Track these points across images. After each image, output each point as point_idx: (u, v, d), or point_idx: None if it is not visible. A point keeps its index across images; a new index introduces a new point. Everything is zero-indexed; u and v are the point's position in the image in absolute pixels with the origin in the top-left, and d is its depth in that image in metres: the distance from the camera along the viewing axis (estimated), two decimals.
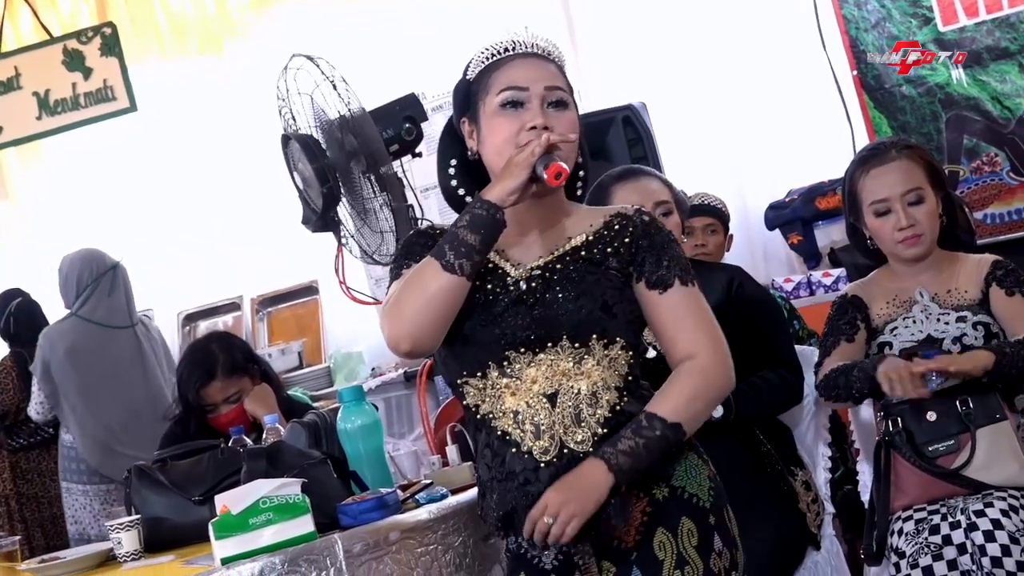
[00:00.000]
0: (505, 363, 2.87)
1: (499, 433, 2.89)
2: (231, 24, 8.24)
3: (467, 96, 3.02)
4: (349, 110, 4.96)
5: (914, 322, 3.86)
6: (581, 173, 3.10)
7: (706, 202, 5.39)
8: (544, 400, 2.85)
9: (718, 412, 3.90)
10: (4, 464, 7.40)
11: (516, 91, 2.93)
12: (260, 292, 8.41)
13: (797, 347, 4.29)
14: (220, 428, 4.54)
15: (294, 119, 5.20)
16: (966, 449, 3.56)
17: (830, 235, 6.80)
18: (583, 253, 2.92)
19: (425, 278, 2.84)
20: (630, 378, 2.90)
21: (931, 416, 3.59)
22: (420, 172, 6.21)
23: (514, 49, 2.98)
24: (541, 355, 2.86)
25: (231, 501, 3.24)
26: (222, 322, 8.40)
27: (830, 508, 4.21)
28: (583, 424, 2.84)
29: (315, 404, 6.14)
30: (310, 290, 8.25)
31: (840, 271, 6.49)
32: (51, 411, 6.84)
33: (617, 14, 7.52)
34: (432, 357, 5.57)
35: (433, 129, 7.16)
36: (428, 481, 3.76)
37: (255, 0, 8.20)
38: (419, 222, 5.46)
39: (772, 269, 7.11)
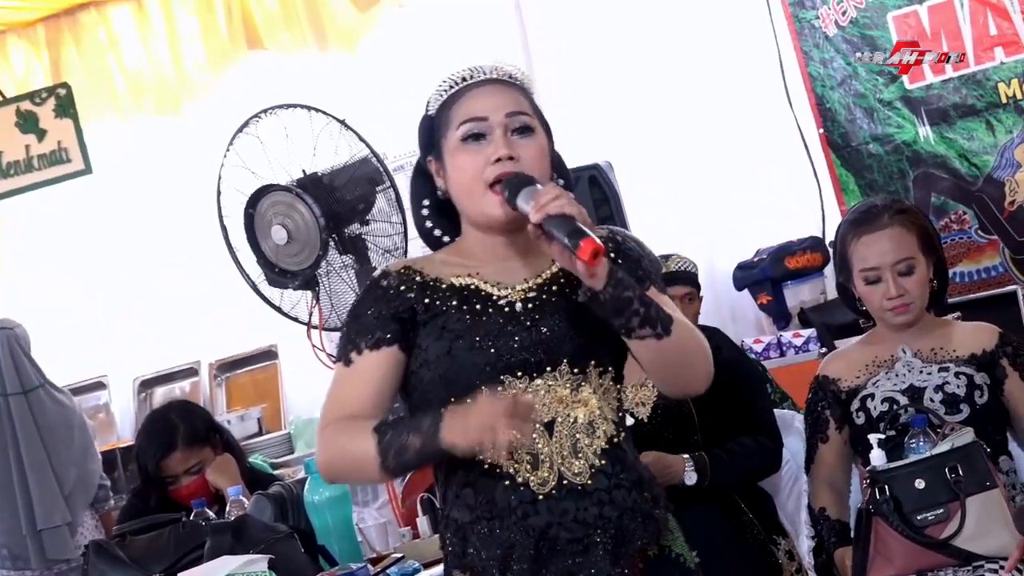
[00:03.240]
0: (499, 389, 2.69)
1: (485, 467, 2.70)
2: (189, 84, 8.14)
3: (430, 133, 2.87)
4: (378, 156, 5.00)
5: (896, 375, 3.84)
6: None
7: (682, 267, 5.30)
8: (540, 428, 2.70)
9: (691, 479, 3.80)
10: None
11: (476, 122, 2.77)
12: (218, 357, 8.25)
13: (776, 411, 4.20)
14: (181, 500, 4.40)
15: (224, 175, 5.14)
16: (956, 518, 3.45)
17: (799, 295, 6.74)
18: (573, 276, 2.76)
19: (361, 462, 2.69)
20: (620, 414, 2.81)
21: (919, 484, 3.48)
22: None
23: (472, 77, 2.83)
24: (538, 380, 2.72)
25: None
26: (179, 388, 8.24)
27: None
28: (580, 455, 2.71)
29: (275, 471, 6.03)
30: (269, 355, 8.11)
31: (811, 331, 6.42)
32: None
33: (583, 73, 7.46)
34: None
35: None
36: (399, 555, 3.65)
37: (213, 60, 8.10)
38: None
39: (741, 330, 7.03)
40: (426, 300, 2.77)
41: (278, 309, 5.42)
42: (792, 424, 4.26)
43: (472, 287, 2.79)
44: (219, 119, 7.45)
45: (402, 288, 2.79)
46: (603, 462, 2.72)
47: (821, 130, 7.05)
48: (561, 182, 2.88)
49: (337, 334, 6.10)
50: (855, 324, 6.25)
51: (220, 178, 5.29)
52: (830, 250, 6.74)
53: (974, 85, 6.72)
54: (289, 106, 5.09)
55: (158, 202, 8.23)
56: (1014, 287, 6.55)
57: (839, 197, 7.01)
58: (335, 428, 2.75)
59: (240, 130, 5.18)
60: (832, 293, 6.76)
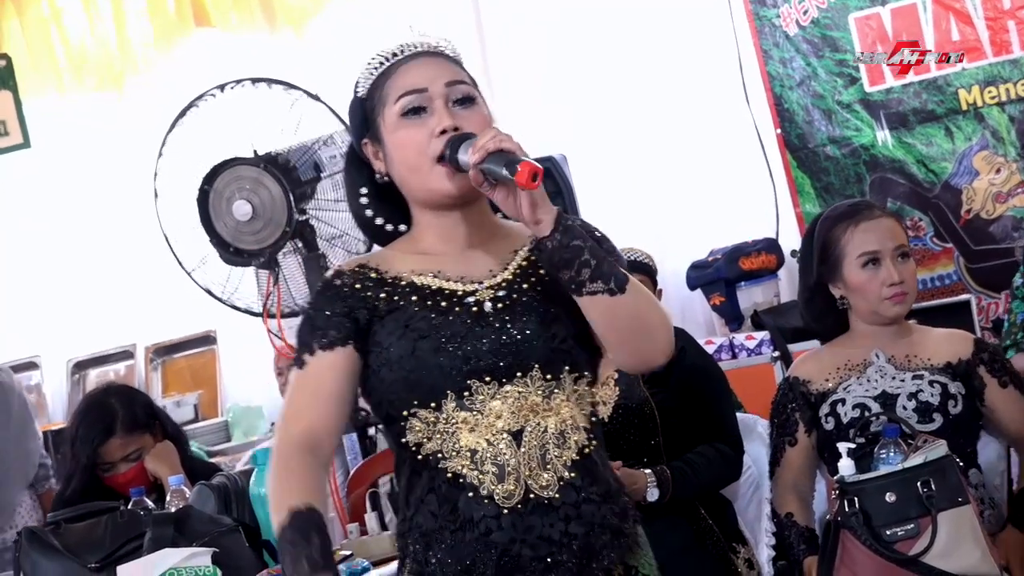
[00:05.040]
0: (466, 394, 2.54)
1: (449, 475, 2.55)
2: (133, 60, 7.95)
3: (363, 115, 2.71)
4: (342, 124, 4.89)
5: (868, 380, 3.77)
6: None
7: (631, 257, 5.20)
8: (508, 438, 2.53)
9: (653, 495, 3.69)
10: None
11: (415, 95, 2.62)
12: (155, 340, 8.07)
13: (738, 416, 4.10)
14: (118, 488, 4.25)
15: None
16: (926, 534, 3.33)
17: (753, 297, 6.64)
18: (541, 270, 2.61)
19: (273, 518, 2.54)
20: (594, 419, 2.64)
21: (890, 497, 3.36)
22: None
23: (402, 52, 2.68)
24: (508, 386, 2.54)
25: (136, 572, 3.00)
26: (113, 371, 8.05)
27: None
28: (549, 467, 2.53)
29: (211, 459, 5.88)
30: (207, 340, 7.93)
31: (764, 334, 6.33)
32: None
33: (538, 65, 7.36)
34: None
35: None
36: (347, 552, 3.52)
37: (159, 37, 7.92)
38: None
39: (690, 331, 6.87)
40: (383, 295, 2.62)
41: (217, 297, 5.30)
42: (754, 429, 4.16)
43: (435, 287, 2.63)
44: (163, 97, 7.28)
45: (357, 287, 2.64)
46: (573, 475, 2.54)
47: (778, 130, 6.98)
48: None
49: (287, 320, 6.01)
50: (808, 327, 6.18)
51: (160, 155, 5.14)
52: (784, 252, 6.70)
53: (935, 90, 6.67)
54: (258, 80, 4.99)
55: (97, 179, 8.03)
56: (967, 296, 6.50)
57: (794, 199, 6.94)
58: (281, 462, 2.59)
59: (190, 106, 5.05)
60: (785, 296, 6.68)
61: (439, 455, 2.56)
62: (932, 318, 5.56)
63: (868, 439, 3.55)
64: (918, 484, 3.34)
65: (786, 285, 6.72)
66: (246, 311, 5.33)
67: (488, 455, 2.53)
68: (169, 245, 5.16)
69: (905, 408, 3.67)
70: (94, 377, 7.96)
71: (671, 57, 7.17)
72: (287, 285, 5.24)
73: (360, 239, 5.29)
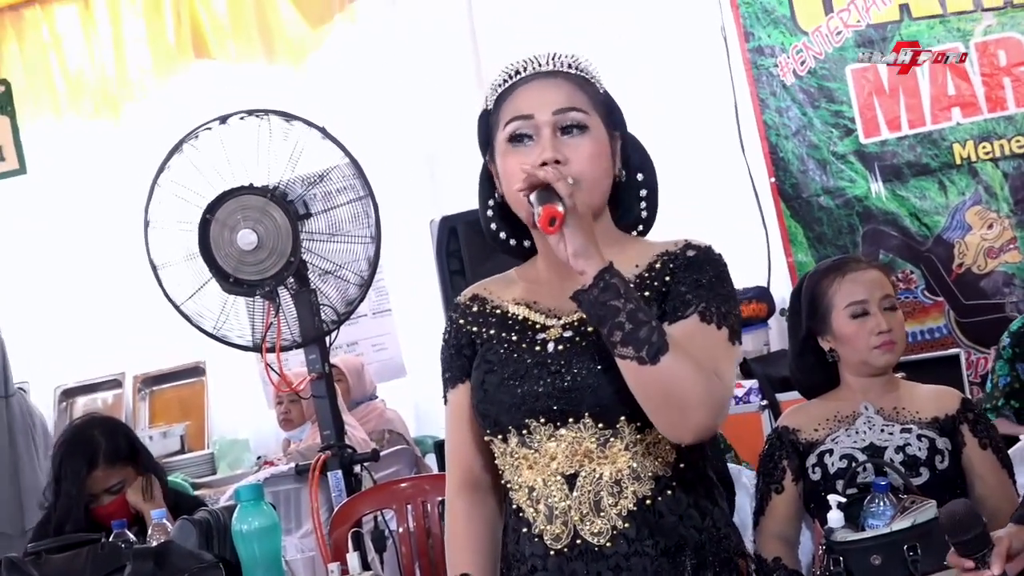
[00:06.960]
0: (525, 431, 2.54)
1: (515, 507, 2.60)
2: (131, 89, 7.96)
3: (487, 130, 2.67)
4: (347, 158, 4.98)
5: (857, 432, 3.75)
6: (643, 192, 2.79)
7: None
8: (561, 481, 2.52)
9: None
10: None
11: (521, 121, 2.57)
12: (143, 370, 8.06)
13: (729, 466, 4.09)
14: (100, 520, 4.22)
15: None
16: None
17: (743, 345, 6.61)
18: None
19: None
20: (681, 465, 2.54)
21: (875, 560, 3.35)
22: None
23: (525, 70, 2.62)
24: (563, 430, 2.51)
25: None
26: (102, 399, 8.03)
27: None
28: (603, 515, 2.50)
29: (196, 492, 5.84)
30: (196, 371, 7.92)
31: (752, 383, 6.30)
32: None
33: None
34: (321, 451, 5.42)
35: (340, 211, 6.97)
36: None
37: (158, 66, 7.93)
38: (320, 308, 5.24)
39: None
40: (475, 329, 2.68)
41: (208, 332, 5.27)
42: (739, 479, 4.13)
43: (520, 317, 2.64)
44: (160, 126, 7.30)
45: (461, 322, 2.72)
46: (627, 525, 2.50)
47: (773, 179, 6.98)
48: (640, 177, 2.77)
49: (286, 353, 5.96)
50: (798, 384, 6.16)
51: (155, 185, 5.12)
52: (776, 301, 6.68)
53: (929, 144, 6.68)
54: (265, 112, 4.99)
55: (92, 206, 8.05)
56: (957, 350, 6.48)
57: (787, 248, 6.94)
58: (448, 515, 2.78)
59: (186, 138, 5.03)
60: (775, 345, 6.66)
61: (510, 485, 2.61)
62: (921, 371, 5.56)
63: (859, 487, 3.55)
64: (904, 548, 3.33)
65: (776, 334, 6.70)
66: (239, 346, 5.30)
67: (543, 494, 2.54)
68: (157, 278, 5.13)
69: (892, 461, 3.66)
70: (82, 405, 7.95)
71: (667, 102, 7.16)
72: (286, 318, 5.22)
73: (356, 273, 5.28)
